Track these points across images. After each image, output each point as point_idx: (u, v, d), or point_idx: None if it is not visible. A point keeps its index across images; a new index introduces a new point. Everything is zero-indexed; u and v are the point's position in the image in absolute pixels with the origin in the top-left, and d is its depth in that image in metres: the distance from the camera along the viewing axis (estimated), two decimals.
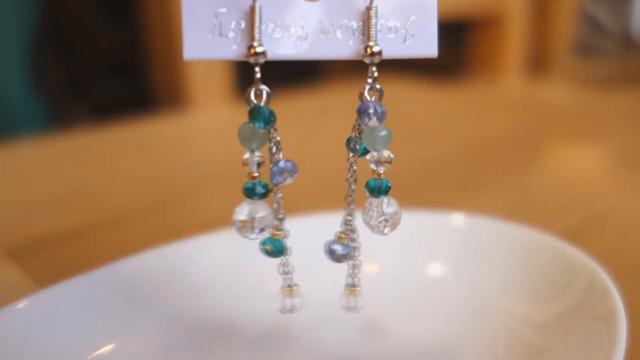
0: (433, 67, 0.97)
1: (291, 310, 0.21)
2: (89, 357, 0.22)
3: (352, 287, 0.21)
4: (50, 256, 0.33)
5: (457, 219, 0.28)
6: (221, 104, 0.68)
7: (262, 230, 0.18)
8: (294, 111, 0.68)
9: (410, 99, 0.75)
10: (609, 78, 0.90)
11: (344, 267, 0.23)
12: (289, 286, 0.21)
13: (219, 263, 0.26)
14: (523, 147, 0.55)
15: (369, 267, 0.27)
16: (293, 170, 0.18)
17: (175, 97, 0.68)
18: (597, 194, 0.42)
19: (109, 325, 0.23)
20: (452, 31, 0.93)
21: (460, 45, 0.97)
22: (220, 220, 0.27)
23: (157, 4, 0.66)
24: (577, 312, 0.22)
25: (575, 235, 0.35)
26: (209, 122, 0.65)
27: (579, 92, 0.83)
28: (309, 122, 0.64)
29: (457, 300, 0.26)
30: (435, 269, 0.27)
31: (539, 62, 0.96)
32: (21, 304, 0.21)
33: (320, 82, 0.84)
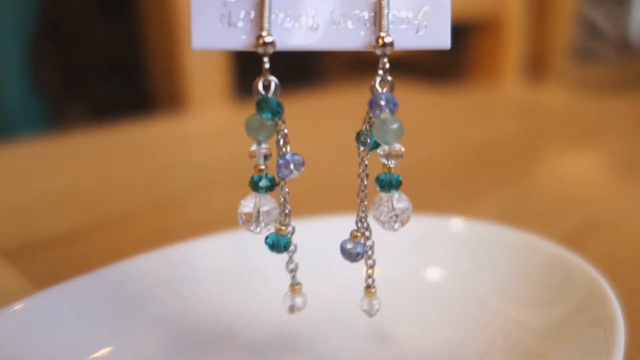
0: (432, 71, 0.97)
1: (293, 309, 0.21)
2: None
3: (371, 288, 0.21)
4: (46, 258, 0.32)
5: (456, 224, 0.28)
6: (219, 106, 0.68)
7: (267, 224, 0.18)
8: (295, 113, 0.67)
9: (409, 103, 0.74)
10: (606, 82, 0.90)
11: (345, 271, 0.22)
12: (297, 284, 0.20)
13: (217, 266, 0.26)
14: (521, 151, 0.55)
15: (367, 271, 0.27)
16: (300, 164, 0.17)
17: (173, 98, 0.67)
18: (595, 198, 0.42)
19: (105, 328, 0.22)
20: (451, 35, 0.93)
21: (459, 49, 0.97)
22: (217, 222, 0.27)
23: (156, 5, 0.66)
24: (575, 318, 0.21)
25: (573, 239, 0.35)
26: (207, 123, 0.65)
27: (576, 96, 0.83)
28: (310, 125, 0.64)
29: (456, 305, 0.25)
30: (434, 274, 0.27)
31: (537, 66, 0.96)
32: (16, 307, 0.21)
33: (321, 84, 0.84)
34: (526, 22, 0.91)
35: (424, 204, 0.40)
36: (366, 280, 0.21)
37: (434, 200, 0.42)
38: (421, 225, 0.28)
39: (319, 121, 0.65)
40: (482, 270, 0.26)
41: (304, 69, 0.99)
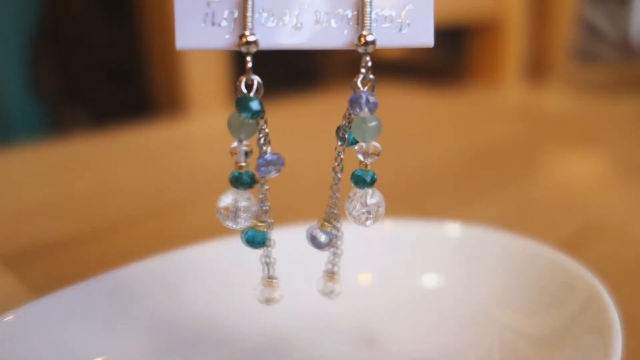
0: (431, 73, 0.97)
1: (269, 301, 0.21)
2: None
3: (330, 273, 0.21)
4: (45, 264, 0.33)
5: (452, 229, 0.28)
6: (219, 110, 0.68)
7: (245, 220, 0.18)
8: (290, 116, 0.68)
9: (408, 105, 0.75)
10: (607, 84, 0.90)
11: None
12: (270, 278, 0.20)
13: (214, 273, 0.26)
14: (521, 153, 0.55)
15: (363, 277, 0.27)
16: (279, 164, 0.18)
17: (173, 102, 0.68)
18: (596, 202, 0.42)
19: (101, 335, 0.22)
20: (451, 37, 0.93)
21: (459, 51, 0.97)
22: (217, 227, 0.27)
23: (156, 9, 0.66)
24: (572, 325, 0.21)
25: (572, 244, 0.34)
26: (206, 127, 0.65)
27: (577, 98, 0.83)
28: (305, 128, 0.64)
29: (452, 312, 0.25)
30: (430, 280, 0.27)
31: (537, 68, 0.96)
32: (11, 316, 0.21)
33: (317, 88, 0.84)
34: (526, 24, 0.91)
35: (422, 208, 0.40)
36: (326, 265, 0.21)
37: (432, 204, 0.42)
38: (417, 230, 0.28)
39: (318, 123, 0.65)
40: (479, 276, 0.26)
41: (302, 72, 1.00)
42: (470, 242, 0.27)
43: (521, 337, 0.23)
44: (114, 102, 0.84)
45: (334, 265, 0.21)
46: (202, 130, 0.65)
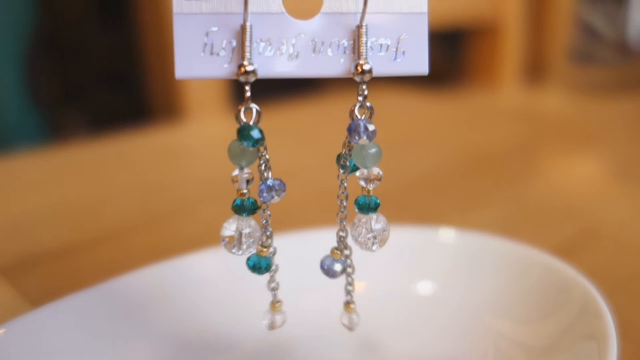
0: (429, 76, 0.97)
1: (273, 327, 0.21)
2: None
3: (348, 304, 0.21)
4: (42, 273, 0.33)
5: (447, 235, 0.28)
6: (217, 116, 0.68)
7: (248, 246, 0.18)
8: (289, 123, 0.68)
9: (406, 109, 0.75)
10: (605, 85, 0.90)
11: (336, 285, 0.22)
12: (278, 302, 0.21)
13: (213, 280, 0.26)
14: (519, 156, 0.55)
15: (357, 285, 0.27)
16: (281, 189, 0.18)
17: (170, 108, 0.68)
18: (592, 206, 0.42)
19: (98, 345, 0.22)
20: (449, 40, 0.93)
21: (457, 54, 0.97)
22: (214, 236, 0.27)
23: (153, 15, 0.66)
24: (568, 331, 0.21)
25: (569, 249, 0.35)
26: (204, 134, 0.65)
27: (575, 99, 0.83)
28: (304, 134, 0.64)
29: (447, 319, 0.25)
30: (425, 287, 0.27)
31: (535, 70, 0.96)
32: (7, 327, 0.21)
33: (315, 94, 0.84)
34: (524, 26, 0.91)
35: (418, 213, 0.41)
36: (345, 296, 0.21)
37: (428, 209, 0.42)
38: (412, 237, 0.28)
39: (315, 130, 0.65)
40: (474, 283, 0.26)
41: (298, 79, 1.00)
42: (465, 248, 0.27)
43: (516, 345, 0.23)
44: (112, 108, 0.84)
45: (350, 294, 0.21)
46: (199, 136, 0.65)
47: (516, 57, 0.91)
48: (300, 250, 0.25)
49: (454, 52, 0.98)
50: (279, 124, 0.65)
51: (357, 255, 0.26)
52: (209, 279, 0.26)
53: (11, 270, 0.33)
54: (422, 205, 0.42)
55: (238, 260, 0.27)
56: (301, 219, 0.29)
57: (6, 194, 0.47)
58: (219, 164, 0.52)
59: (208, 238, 0.28)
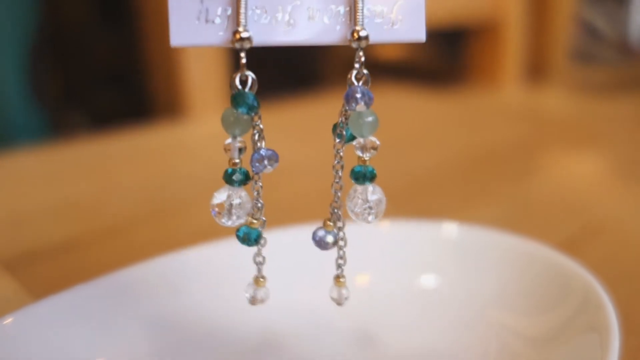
0: (430, 75, 0.97)
1: (254, 301, 0.21)
2: None
3: (339, 277, 0.21)
4: (46, 268, 0.33)
5: (451, 229, 0.28)
6: (218, 114, 0.68)
7: (239, 217, 0.18)
8: (288, 119, 0.68)
9: (408, 108, 0.75)
10: (606, 85, 0.90)
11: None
12: (262, 278, 0.21)
13: (214, 275, 0.26)
14: (521, 155, 0.55)
15: (361, 278, 0.27)
16: (273, 159, 0.18)
17: (173, 106, 0.68)
18: (594, 203, 0.42)
19: (101, 337, 0.22)
20: (450, 39, 0.93)
21: (458, 53, 0.97)
22: (216, 230, 0.27)
23: (155, 13, 0.67)
24: (570, 324, 0.21)
25: (572, 244, 0.35)
26: (206, 131, 0.65)
27: (577, 99, 0.83)
28: (302, 130, 0.64)
29: (451, 313, 0.25)
30: (429, 280, 0.27)
31: (536, 70, 0.96)
32: (10, 318, 0.21)
33: (314, 90, 0.84)
34: (525, 25, 0.91)
35: (420, 211, 0.40)
36: (336, 270, 0.21)
37: (432, 205, 0.42)
38: (415, 231, 0.28)
39: (316, 126, 0.65)
40: (477, 277, 0.26)
41: (300, 74, 1.00)
42: (468, 242, 0.27)
43: (519, 337, 0.23)
44: (114, 106, 0.84)
45: (340, 267, 0.21)
46: (201, 133, 0.65)
47: (517, 56, 0.91)
48: (299, 244, 0.25)
49: (455, 51, 0.98)
50: (277, 122, 0.65)
51: (361, 248, 0.26)
52: (211, 271, 0.26)
53: (15, 265, 0.33)
54: (424, 203, 0.42)
55: (239, 255, 0.27)
56: (299, 216, 0.29)
57: (11, 189, 0.47)
58: (221, 161, 0.52)
59: (210, 232, 0.28)
